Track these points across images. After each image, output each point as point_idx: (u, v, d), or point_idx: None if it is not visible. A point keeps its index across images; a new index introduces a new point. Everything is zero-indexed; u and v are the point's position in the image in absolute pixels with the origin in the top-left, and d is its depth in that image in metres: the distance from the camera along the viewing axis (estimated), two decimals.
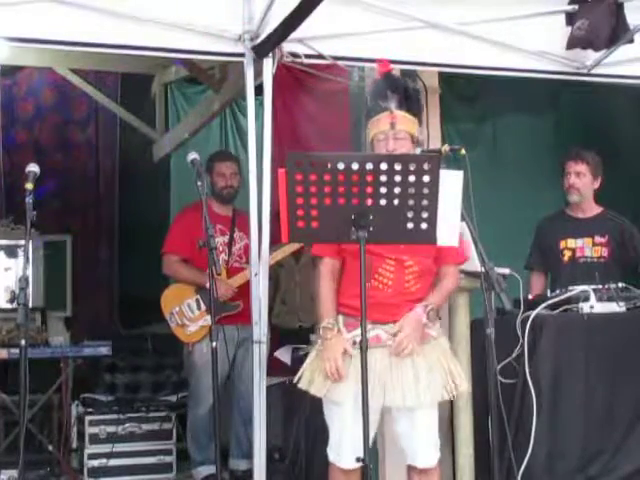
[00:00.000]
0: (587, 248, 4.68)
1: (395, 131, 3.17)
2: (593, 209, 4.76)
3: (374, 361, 3.13)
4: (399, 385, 3.13)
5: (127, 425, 5.49)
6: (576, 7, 4.15)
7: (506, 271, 3.76)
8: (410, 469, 3.33)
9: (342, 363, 3.13)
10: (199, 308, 4.90)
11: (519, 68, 4.28)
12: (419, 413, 3.20)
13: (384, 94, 3.21)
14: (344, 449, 3.16)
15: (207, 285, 4.47)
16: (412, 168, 2.65)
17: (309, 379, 3.26)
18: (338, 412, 3.19)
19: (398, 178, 2.66)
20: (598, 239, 4.67)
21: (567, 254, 4.71)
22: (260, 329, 3.75)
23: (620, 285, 4.11)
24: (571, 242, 4.70)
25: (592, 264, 4.63)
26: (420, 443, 3.24)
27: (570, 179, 4.66)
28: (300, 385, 3.27)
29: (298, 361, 4.52)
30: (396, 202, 2.69)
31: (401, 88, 3.22)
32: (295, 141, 5.72)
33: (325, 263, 3.31)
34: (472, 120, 6.37)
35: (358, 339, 3.14)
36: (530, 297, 4.15)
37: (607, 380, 3.95)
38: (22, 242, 6.32)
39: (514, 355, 3.85)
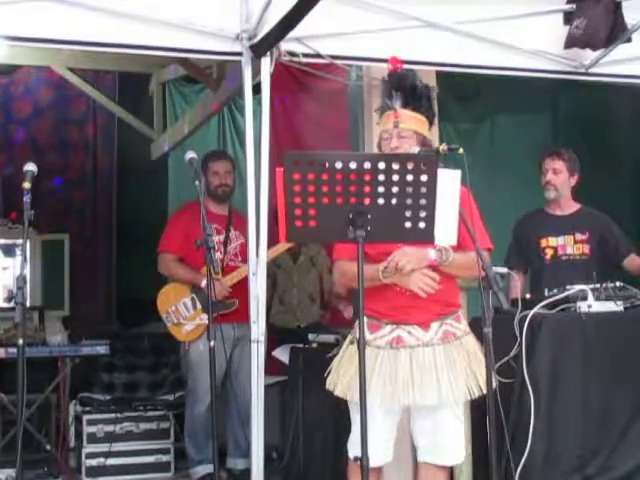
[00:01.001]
0: (569, 246, 4.70)
1: (399, 129, 3.18)
2: (571, 206, 4.79)
3: (396, 362, 3.16)
4: (419, 385, 3.14)
5: (125, 424, 5.49)
6: (574, 6, 4.15)
7: (504, 270, 3.76)
8: (421, 466, 3.33)
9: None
10: (194, 307, 4.90)
11: (517, 67, 4.27)
12: (442, 412, 3.21)
13: (389, 93, 3.22)
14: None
15: (202, 284, 4.51)
16: (410, 167, 2.65)
17: (335, 381, 3.27)
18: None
19: (396, 177, 2.65)
20: (579, 236, 4.69)
21: (549, 252, 4.72)
22: (258, 328, 3.74)
23: (618, 284, 4.11)
24: (552, 240, 4.72)
25: (575, 261, 4.66)
26: (444, 441, 3.26)
27: (547, 176, 4.70)
28: (327, 387, 3.28)
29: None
30: (394, 201, 2.68)
31: (407, 86, 3.21)
32: (293, 140, 5.73)
33: (341, 264, 3.29)
34: (470, 119, 6.39)
35: (379, 341, 3.19)
36: (528, 296, 4.14)
37: (605, 379, 3.94)
38: (20, 241, 6.31)
39: (512, 354, 3.84)
